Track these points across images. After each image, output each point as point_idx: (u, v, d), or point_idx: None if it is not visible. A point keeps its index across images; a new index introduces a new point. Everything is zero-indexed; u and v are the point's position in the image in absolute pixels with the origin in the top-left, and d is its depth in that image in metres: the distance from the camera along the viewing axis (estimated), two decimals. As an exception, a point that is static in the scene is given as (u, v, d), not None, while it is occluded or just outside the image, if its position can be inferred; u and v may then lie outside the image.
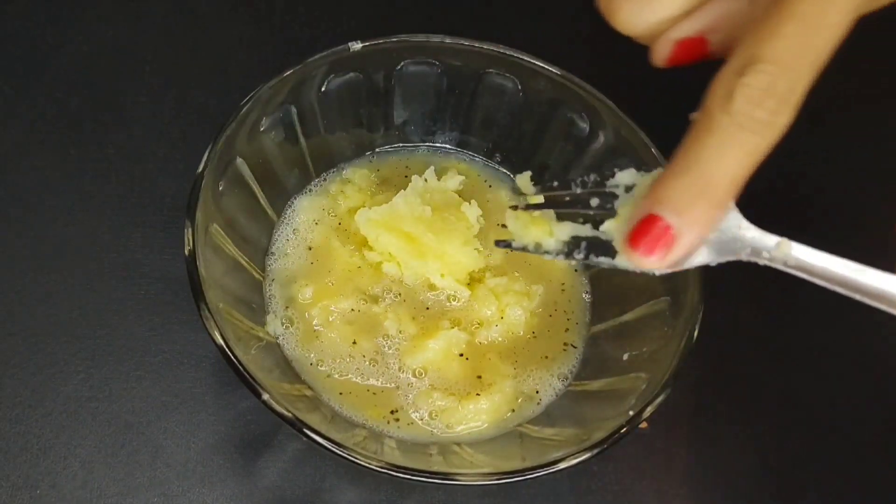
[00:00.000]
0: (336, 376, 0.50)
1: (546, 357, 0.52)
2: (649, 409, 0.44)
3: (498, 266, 0.54)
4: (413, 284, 0.53)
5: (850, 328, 0.58)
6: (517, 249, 0.44)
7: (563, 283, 0.55)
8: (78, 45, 0.65)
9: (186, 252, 0.44)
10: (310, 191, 0.57)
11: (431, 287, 0.53)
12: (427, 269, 0.52)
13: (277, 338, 0.51)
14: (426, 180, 0.54)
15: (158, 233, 0.58)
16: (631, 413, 0.44)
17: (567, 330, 0.54)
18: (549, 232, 0.43)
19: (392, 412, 0.50)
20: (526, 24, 0.69)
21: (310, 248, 0.54)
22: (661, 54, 0.40)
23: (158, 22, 0.67)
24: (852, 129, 0.68)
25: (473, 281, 0.53)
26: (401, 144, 0.59)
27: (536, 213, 0.44)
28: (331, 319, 0.51)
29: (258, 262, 0.53)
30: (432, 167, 0.56)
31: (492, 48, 0.53)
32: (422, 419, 0.50)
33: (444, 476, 0.41)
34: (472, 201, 0.54)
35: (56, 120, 0.62)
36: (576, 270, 0.55)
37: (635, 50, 0.41)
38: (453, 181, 0.56)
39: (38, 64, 0.64)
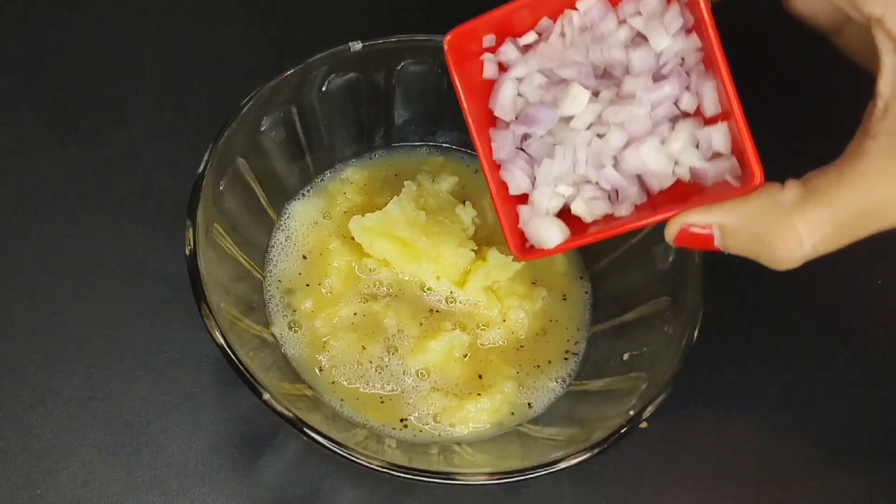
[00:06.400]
0: (344, 384, 0.50)
1: (547, 357, 0.52)
2: (649, 409, 0.44)
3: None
4: (409, 285, 0.53)
5: (851, 328, 0.58)
6: None
7: (563, 285, 0.55)
8: (78, 45, 0.65)
9: (187, 252, 0.44)
10: (303, 195, 0.56)
11: (428, 289, 0.53)
12: (422, 272, 0.52)
13: (279, 339, 0.51)
14: (420, 184, 0.54)
15: (159, 233, 0.57)
16: (631, 413, 0.44)
17: (567, 331, 0.54)
18: None
19: (401, 420, 0.50)
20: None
21: (304, 257, 0.54)
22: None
23: (158, 22, 0.67)
24: None
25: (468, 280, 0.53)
26: (401, 144, 0.59)
27: None
28: (336, 322, 0.52)
29: (259, 261, 0.53)
30: (424, 172, 0.56)
31: (492, 48, 0.53)
32: (427, 424, 0.50)
33: (444, 476, 0.42)
34: (466, 203, 0.54)
35: (56, 120, 0.62)
36: (581, 278, 0.55)
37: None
38: (446, 183, 0.56)
39: (38, 64, 0.64)
